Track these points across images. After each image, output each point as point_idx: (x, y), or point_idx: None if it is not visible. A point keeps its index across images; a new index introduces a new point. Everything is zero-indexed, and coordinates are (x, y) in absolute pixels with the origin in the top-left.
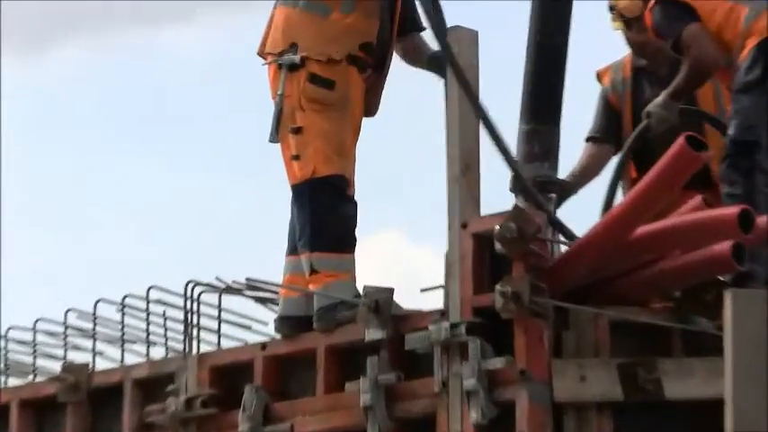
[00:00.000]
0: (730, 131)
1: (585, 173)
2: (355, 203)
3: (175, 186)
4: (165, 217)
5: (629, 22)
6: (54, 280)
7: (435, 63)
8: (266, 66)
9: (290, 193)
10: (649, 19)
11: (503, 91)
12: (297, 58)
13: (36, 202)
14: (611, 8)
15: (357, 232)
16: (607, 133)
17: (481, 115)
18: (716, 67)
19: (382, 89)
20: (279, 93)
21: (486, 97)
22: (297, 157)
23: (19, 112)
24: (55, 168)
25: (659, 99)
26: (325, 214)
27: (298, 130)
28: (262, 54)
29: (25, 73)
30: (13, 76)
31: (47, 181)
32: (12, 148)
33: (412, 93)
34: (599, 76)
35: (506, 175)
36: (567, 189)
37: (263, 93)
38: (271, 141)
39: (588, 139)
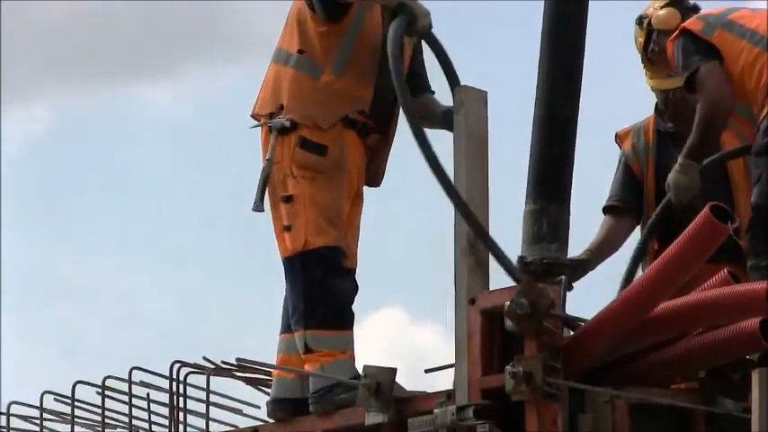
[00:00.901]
0: (753, 198)
1: (603, 249)
2: (353, 277)
3: (153, 263)
4: (146, 297)
5: (657, 45)
6: (27, 361)
7: (450, 120)
8: (258, 128)
9: (281, 267)
10: (670, 50)
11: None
12: (287, 121)
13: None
14: (641, 20)
15: (356, 308)
16: (627, 203)
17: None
18: (729, 112)
19: (387, 156)
20: (267, 158)
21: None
22: (288, 228)
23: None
24: (28, 242)
25: (677, 165)
26: (319, 289)
27: (289, 199)
28: (255, 116)
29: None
30: None
31: (13, 255)
32: None
33: (416, 162)
34: (619, 139)
35: (516, 250)
36: (581, 268)
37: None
38: (254, 210)
39: (607, 209)
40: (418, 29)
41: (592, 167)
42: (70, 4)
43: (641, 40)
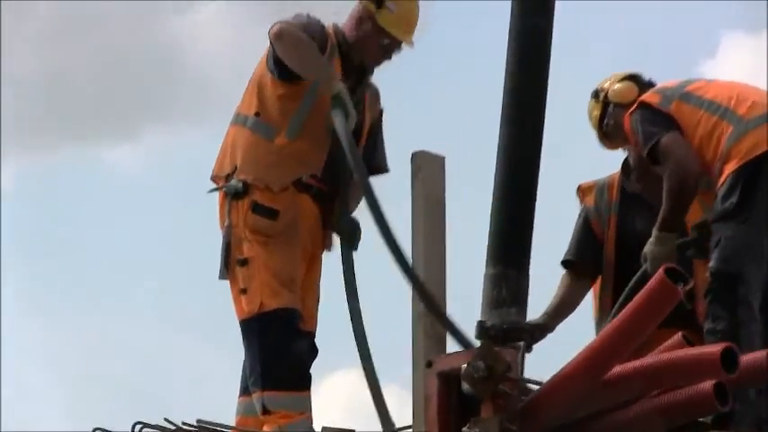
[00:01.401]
0: (711, 264)
1: (561, 310)
2: (311, 338)
3: (116, 325)
4: (106, 356)
5: (612, 117)
6: None
7: None
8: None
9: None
10: (627, 125)
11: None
12: (240, 185)
13: None
14: (597, 94)
15: (314, 369)
16: (585, 260)
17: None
18: (698, 177)
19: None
20: (226, 224)
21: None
22: (244, 291)
23: None
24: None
25: (652, 237)
26: (275, 350)
27: (244, 263)
28: (213, 178)
29: None
30: None
31: None
32: None
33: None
34: (581, 193)
35: (474, 313)
36: (539, 332)
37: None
38: (220, 278)
39: (565, 263)
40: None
41: (551, 228)
42: (27, 63)
43: (597, 113)
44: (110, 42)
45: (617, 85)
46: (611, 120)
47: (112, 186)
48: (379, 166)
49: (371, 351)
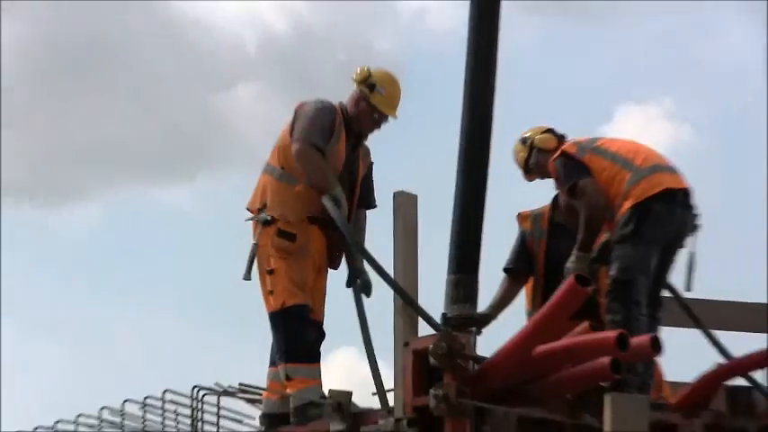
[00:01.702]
0: (612, 272)
1: (501, 305)
2: (320, 326)
3: (173, 318)
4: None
5: (534, 159)
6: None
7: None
8: (249, 221)
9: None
10: (552, 167)
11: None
12: (269, 217)
13: (63, 323)
14: (524, 140)
15: (321, 349)
16: (520, 269)
17: (390, 281)
18: (605, 211)
19: (343, 246)
20: (254, 242)
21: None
22: (271, 293)
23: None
24: (86, 297)
25: (572, 256)
26: (294, 334)
27: (271, 272)
28: (248, 208)
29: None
30: (40, 222)
31: (77, 305)
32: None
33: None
34: (521, 218)
35: (439, 308)
36: (485, 321)
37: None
38: (244, 279)
39: (506, 270)
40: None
41: (494, 246)
42: (113, 127)
43: (523, 154)
44: (173, 111)
45: (540, 135)
46: (534, 160)
47: (168, 218)
48: (370, 204)
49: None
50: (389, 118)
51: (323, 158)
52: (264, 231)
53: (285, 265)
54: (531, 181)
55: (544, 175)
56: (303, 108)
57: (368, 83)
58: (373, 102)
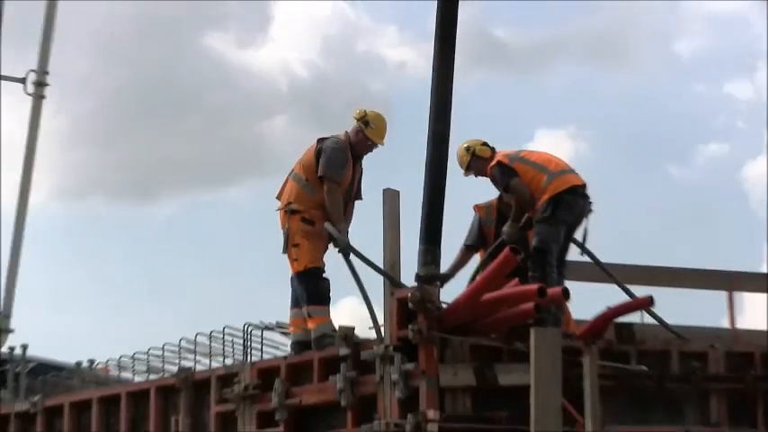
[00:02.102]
0: (534, 244)
1: (458, 267)
2: (328, 281)
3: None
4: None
5: (473, 163)
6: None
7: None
8: (278, 210)
9: (288, 279)
10: (490, 173)
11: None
12: (295, 208)
13: (156, 285)
14: (468, 149)
15: (332, 295)
16: (475, 244)
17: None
18: (529, 203)
19: (348, 226)
20: (286, 227)
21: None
22: (296, 260)
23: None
24: (162, 268)
25: (507, 226)
26: (313, 285)
27: (296, 245)
28: (278, 196)
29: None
30: (133, 215)
31: (165, 272)
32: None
33: (367, 227)
34: (476, 208)
35: (413, 268)
36: (446, 279)
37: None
38: (282, 253)
39: (466, 245)
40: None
41: (450, 227)
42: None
43: (466, 159)
44: (229, 135)
45: (479, 147)
46: (473, 164)
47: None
48: (359, 197)
49: (367, 293)
50: (379, 145)
51: (340, 193)
52: (292, 218)
53: (306, 241)
54: (467, 176)
55: (478, 174)
56: (326, 144)
57: (364, 120)
58: (368, 134)
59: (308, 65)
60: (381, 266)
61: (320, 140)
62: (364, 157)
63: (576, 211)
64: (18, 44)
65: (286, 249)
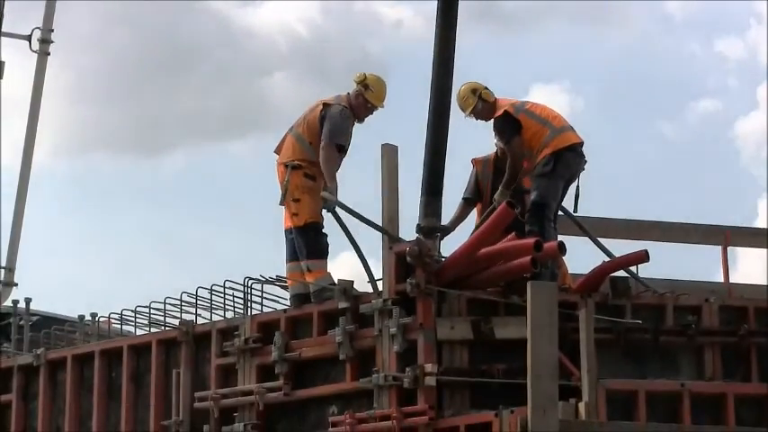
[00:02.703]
0: (532, 197)
1: (456, 222)
2: (326, 235)
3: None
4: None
5: (478, 105)
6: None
7: None
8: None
9: (283, 233)
10: (495, 122)
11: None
12: (297, 164)
13: (159, 239)
14: (474, 91)
15: (330, 250)
16: (472, 198)
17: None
18: (523, 161)
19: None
20: (285, 181)
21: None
22: (296, 214)
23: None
24: (169, 219)
25: (498, 192)
26: (312, 239)
27: (297, 200)
28: (277, 151)
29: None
30: (138, 169)
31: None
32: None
33: (367, 184)
34: (474, 162)
35: (412, 224)
36: (447, 231)
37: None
38: (280, 204)
39: (464, 198)
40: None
41: (451, 179)
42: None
43: (472, 101)
44: (232, 91)
45: (484, 90)
46: (478, 106)
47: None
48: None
49: (361, 249)
50: (379, 108)
51: (338, 157)
52: (294, 173)
53: (307, 196)
54: (467, 118)
55: (479, 117)
56: (331, 110)
57: (363, 83)
58: (367, 97)
59: (306, 23)
60: (380, 221)
61: (326, 105)
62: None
63: (573, 168)
64: (23, 1)
65: (283, 202)
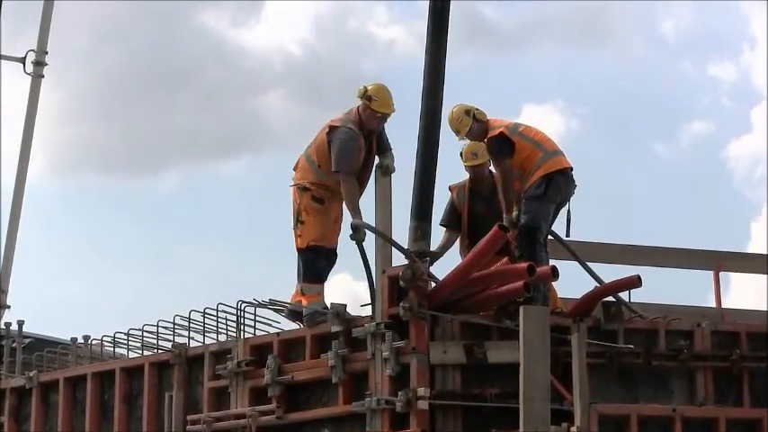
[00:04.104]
0: (522, 221)
1: (445, 247)
2: (332, 251)
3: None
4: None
5: (473, 126)
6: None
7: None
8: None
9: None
10: (488, 142)
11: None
12: (307, 185)
13: (152, 259)
14: (468, 112)
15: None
16: (452, 224)
17: (373, 229)
18: (513, 183)
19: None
20: (297, 203)
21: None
22: (300, 236)
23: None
24: (164, 238)
25: (504, 217)
26: (311, 263)
27: (302, 222)
28: (295, 168)
29: (138, 188)
30: (130, 188)
31: (161, 245)
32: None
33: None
34: (450, 190)
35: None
36: (436, 256)
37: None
38: (293, 228)
39: (442, 225)
40: (357, 237)
41: (443, 203)
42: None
43: (468, 121)
44: (226, 109)
45: (477, 110)
46: (473, 127)
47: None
48: (387, 148)
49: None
50: (390, 114)
51: (356, 185)
52: (303, 195)
53: (312, 219)
54: (461, 140)
55: (473, 137)
56: (336, 134)
57: (366, 96)
58: (374, 108)
59: (300, 43)
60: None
61: (332, 128)
62: (377, 131)
63: (564, 192)
64: (18, 19)
65: (295, 225)
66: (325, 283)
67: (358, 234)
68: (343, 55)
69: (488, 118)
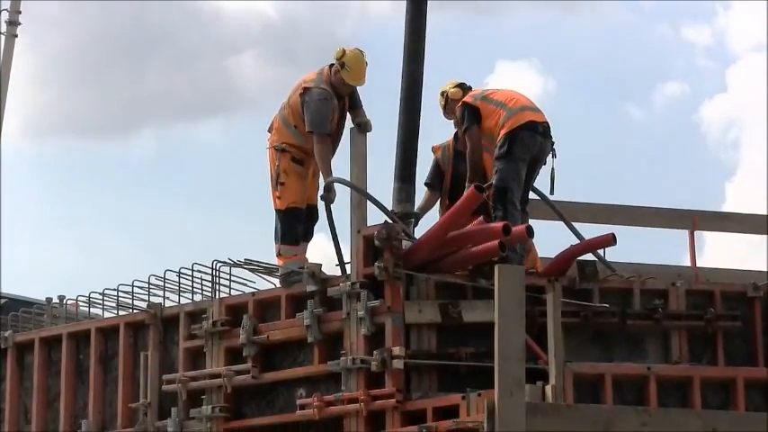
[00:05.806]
0: (494, 182)
1: (425, 208)
2: (311, 210)
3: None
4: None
5: (449, 106)
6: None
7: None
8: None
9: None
10: (457, 112)
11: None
12: (285, 147)
13: (127, 221)
14: (443, 93)
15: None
16: (435, 184)
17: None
18: (481, 150)
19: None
20: (276, 164)
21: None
22: (279, 197)
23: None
24: (139, 202)
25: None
26: (288, 226)
27: (282, 183)
28: (269, 130)
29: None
30: (105, 151)
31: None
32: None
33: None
34: (434, 150)
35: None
36: (418, 217)
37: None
38: (273, 189)
39: (426, 184)
40: (327, 198)
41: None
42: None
43: (442, 102)
44: (202, 71)
45: (452, 89)
46: (448, 107)
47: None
48: (358, 105)
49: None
50: (358, 85)
51: (329, 146)
52: (282, 157)
53: (293, 180)
54: (448, 119)
55: (451, 116)
56: (310, 95)
57: (340, 62)
58: (343, 76)
59: (276, 5)
60: (348, 205)
61: (306, 89)
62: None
63: (534, 148)
64: None
65: (276, 186)
66: (311, 241)
67: (329, 195)
68: (319, 17)
69: (464, 93)
